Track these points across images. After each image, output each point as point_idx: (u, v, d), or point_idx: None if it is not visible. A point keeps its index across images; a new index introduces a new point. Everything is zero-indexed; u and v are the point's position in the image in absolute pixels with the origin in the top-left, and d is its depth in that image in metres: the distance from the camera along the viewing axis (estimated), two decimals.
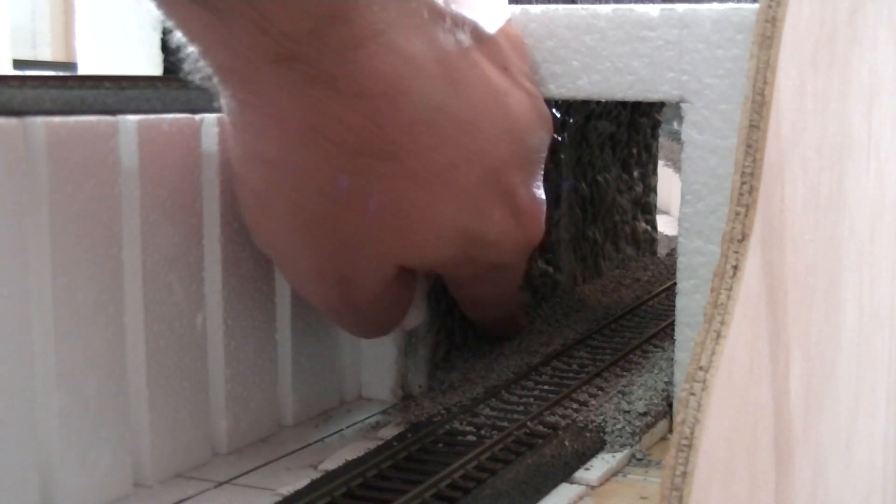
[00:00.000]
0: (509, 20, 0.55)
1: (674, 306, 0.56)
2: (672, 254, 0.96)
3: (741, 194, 0.41)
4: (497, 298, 0.63)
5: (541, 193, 0.55)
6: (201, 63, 0.48)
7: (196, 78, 0.51)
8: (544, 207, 0.55)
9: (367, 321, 0.56)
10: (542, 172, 0.55)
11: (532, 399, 0.59)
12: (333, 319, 0.57)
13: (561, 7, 0.57)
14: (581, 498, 0.49)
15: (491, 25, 0.52)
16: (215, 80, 0.48)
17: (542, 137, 0.54)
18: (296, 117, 0.47)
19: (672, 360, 0.58)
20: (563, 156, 0.82)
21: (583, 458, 0.52)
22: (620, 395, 0.59)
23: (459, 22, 0.49)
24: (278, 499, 0.48)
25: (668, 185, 1.20)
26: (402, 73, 0.46)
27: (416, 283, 0.57)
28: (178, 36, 0.47)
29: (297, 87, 0.45)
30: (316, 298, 0.55)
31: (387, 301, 0.55)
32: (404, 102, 0.47)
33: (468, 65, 0.50)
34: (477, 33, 0.51)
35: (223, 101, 0.49)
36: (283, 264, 0.54)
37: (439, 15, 0.48)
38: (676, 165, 0.64)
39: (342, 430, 0.58)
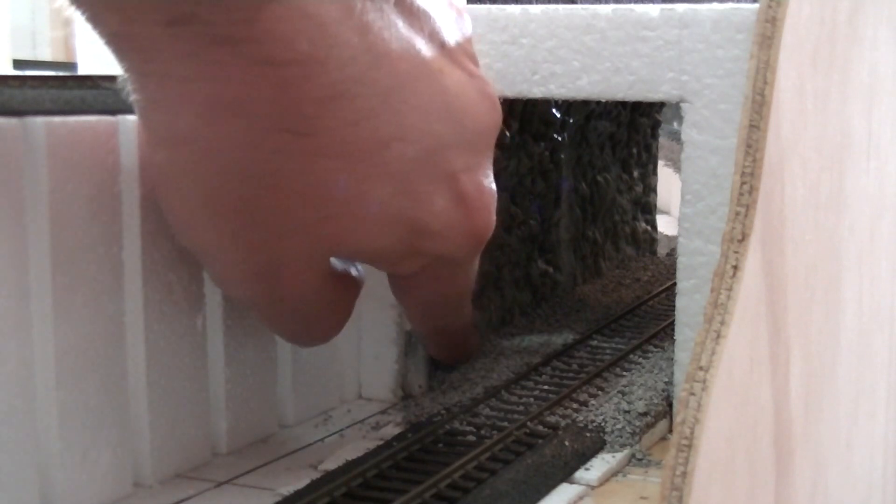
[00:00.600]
0: (450, 1, 0.52)
1: (674, 306, 0.56)
2: (672, 254, 0.96)
3: (741, 194, 0.41)
4: (445, 302, 0.58)
5: (490, 183, 0.52)
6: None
7: None
8: (494, 199, 0.52)
9: (299, 324, 0.52)
10: (492, 162, 0.52)
11: (532, 399, 0.59)
12: (264, 321, 0.53)
13: (561, 7, 0.57)
14: (581, 498, 0.49)
15: (424, 1, 0.49)
16: (111, 50, 0.44)
17: (487, 122, 0.51)
18: (201, 88, 0.43)
19: (672, 360, 0.58)
20: (563, 156, 0.82)
21: (583, 458, 0.52)
22: (620, 395, 0.59)
23: None
24: (278, 499, 0.48)
25: (668, 185, 1.20)
26: (316, 40, 0.43)
27: (356, 283, 0.54)
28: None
29: (197, 53, 0.42)
30: (242, 295, 0.51)
31: (321, 301, 0.51)
32: (319, 73, 0.44)
33: (394, 38, 0.46)
34: (405, 5, 0.47)
35: (126, 80, 0.45)
36: (205, 258, 0.49)
37: None
38: (676, 165, 0.64)
39: (342, 430, 0.58)
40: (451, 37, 0.50)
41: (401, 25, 0.47)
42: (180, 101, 0.44)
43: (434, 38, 0.49)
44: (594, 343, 0.70)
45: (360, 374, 0.63)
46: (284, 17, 0.42)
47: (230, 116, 0.44)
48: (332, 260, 0.51)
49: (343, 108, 0.45)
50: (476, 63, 0.52)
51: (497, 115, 0.52)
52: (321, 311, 0.52)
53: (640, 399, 0.58)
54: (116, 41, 0.43)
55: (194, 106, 0.44)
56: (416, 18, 0.48)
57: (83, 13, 0.43)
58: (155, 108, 0.45)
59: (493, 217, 0.52)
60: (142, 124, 0.47)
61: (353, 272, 0.53)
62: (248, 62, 0.43)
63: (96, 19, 0.43)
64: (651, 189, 1.02)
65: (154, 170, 0.48)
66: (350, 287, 0.53)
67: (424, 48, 0.48)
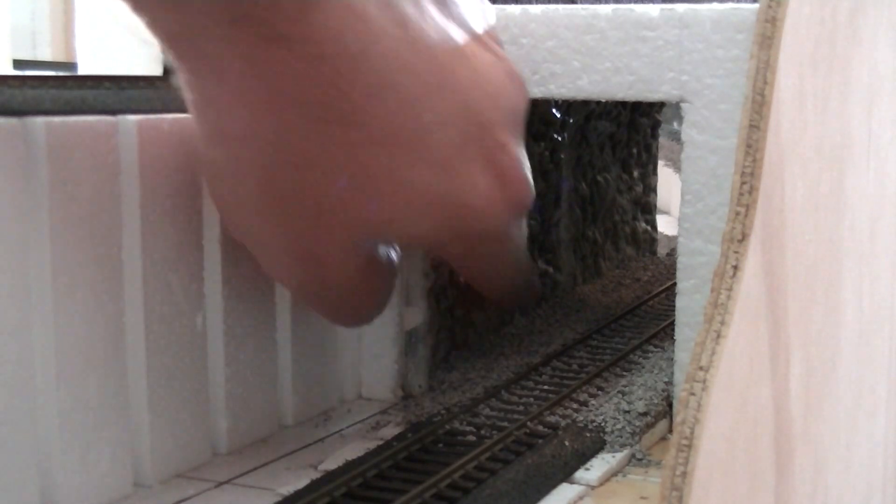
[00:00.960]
0: None
1: (674, 306, 0.56)
2: (672, 254, 0.96)
3: (741, 194, 0.41)
4: (504, 270, 0.59)
5: (524, 156, 0.53)
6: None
7: None
8: (529, 169, 0.53)
9: (343, 305, 0.54)
10: (523, 137, 0.54)
11: (532, 399, 0.59)
12: (309, 303, 0.55)
13: (561, 7, 0.57)
14: (581, 498, 0.49)
15: None
16: (168, 55, 0.46)
17: (517, 100, 0.53)
18: (256, 85, 0.45)
19: (672, 360, 0.58)
20: (563, 156, 0.82)
21: (583, 458, 0.52)
22: (620, 395, 0.59)
23: None
24: (278, 499, 0.48)
25: (668, 185, 1.20)
26: (362, 34, 0.45)
27: (396, 268, 0.55)
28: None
29: (253, 51, 0.44)
30: (289, 280, 0.53)
31: (364, 283, 0.53)
32: (366, 64, 0.46)
33: (430, 27, 0.48)
34: None
35: (181, 81, 0.47)
36: (255, 246, 0.51)
37: None
38: (676, 165, 0.64)
39: (342, 430, 0.58)
40: (477, 22, 0.52)
41: (434, 13, 0.49)
42: (236, 99, 0.46)
43: (463, 23, 0.50)
44: (594, 343, 0.70)
45: (360, 374, 0.63)
46: (333, 14, 0.44)
47: (282, 111, 0.46)
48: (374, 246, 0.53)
49: (388, 98, 0.47)
50: (501, 45, 0.53)
51: (525, 94, 0.54)
52: (364, 293, 0.54)
53: (640, 399, 0.58)
54: (175, 43, 0.45)
55: (249, 102, 0.46)
56: (446, 6, 0.50)
57: (143, 17, 0.44)
58: (210, 107, 0.47)
59: (532, 185, 0.53)
60: (196, 123, 0.48)
61: (392, 257, 0.55)
62: (300, 58, 0.44)
63: (156, 23, 0.45)
64: (651, 189, 1.02)
65: (208, 166, 0.49)
66: (390, 270, 0.55)
67: (456, 34, 0.50)
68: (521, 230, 0.57)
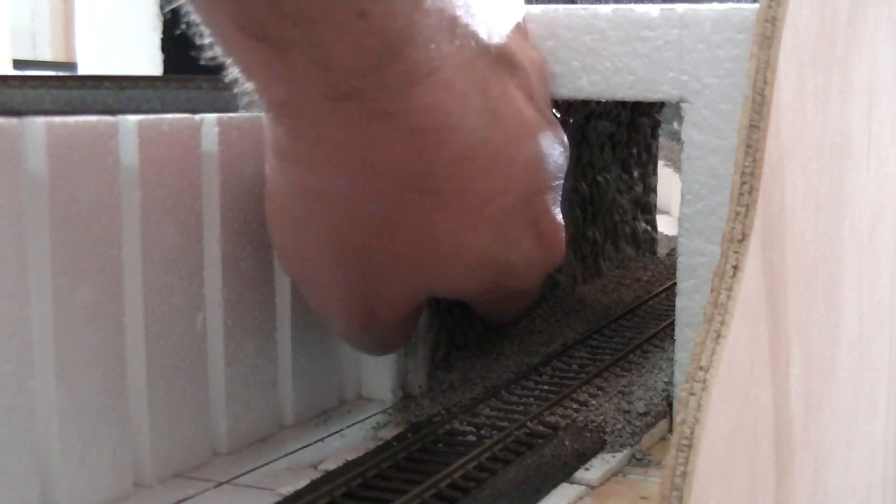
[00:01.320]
0: (533, 45, 0.56)
1: (674, 306, 0.56)
2: (672, 254, 0.96)
3: (741, 194, 0.41)
4: (518, 310, 0.64)
5: (561, 217, 0.56)
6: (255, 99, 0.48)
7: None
8: (564, 230, 0.56)
9: (381, 343, 0.58)
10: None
11: (532, 399, 0.59)
12: (348, 340, 0.57)
13: (561, 7, 0.57)
14: (581, 498, 0.49)
15: (522, 53, 0.53)
16: (268, 115, 0.48)
17: (561, 163, 0.55)
18: (349, 152, 0.47)
19: (672, 360, 0.58)
20: None
21: (583, 458, 0.52)
22: (620, 395, 0.59)
23: (499, 54, 0.50)
24: (278, 499, 0.48)
25: (668, 185, 1.20)
26: (452, 108, 0.47)
27: (425, 304, 0.58)
28: (231, 73, 0.47)
29: (353, 123, 0.46)
30: (338, 322, 0.55)
31: (406, 325, 0.56)
32: (452, 137, 0.48)
33: (505, 97, 0.50)
34: (511, 64, 0.51)
35: (270, 134, 0.49)
36: (311, 288, 0.54)
37: (484, 49, 0.48)
38: (676, 165, 0.64)
39: (342, 430, 0.58)
40: (538, 87, 0.54)
41: (511, 86, 0.51)
42: (327, 162, 0.48)
43: (527, 90, 0.53)
44: (594, 343, 0.70)
45: (360, 374, 0.63)
46: (431, 90, 0.46)
47: (368, 176, 0.48)
48: None
49: (466, 167, 0.49)
50: (550, 107, 0.56)
51: (566, 160, 0.56)
52: (400, 332, 0.57)
53: (640, 399, 0.58)
54: (278, 108, 0.47)
55: (340, 166, 0.48)
56: (518, 76, 0.52)
57: (253, 83, 0.46)
58: (299, 164, 0.49)
59: (564, 247, 0.57)
60: (275, 171, 0.50)
61: None
62: (397, 131, 0.46)
63: (265, 90, 0.46)
64: (651, 189, 1.02)
65: (279, 215, 0.52)
66: (422, 307, 0.57)
67: (524, 103, 0.52)
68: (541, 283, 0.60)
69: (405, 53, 0.44)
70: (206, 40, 0.46)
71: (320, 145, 0.47)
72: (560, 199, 0.56)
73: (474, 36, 0.48)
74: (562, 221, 0.56)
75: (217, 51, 0.46)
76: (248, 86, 0.47)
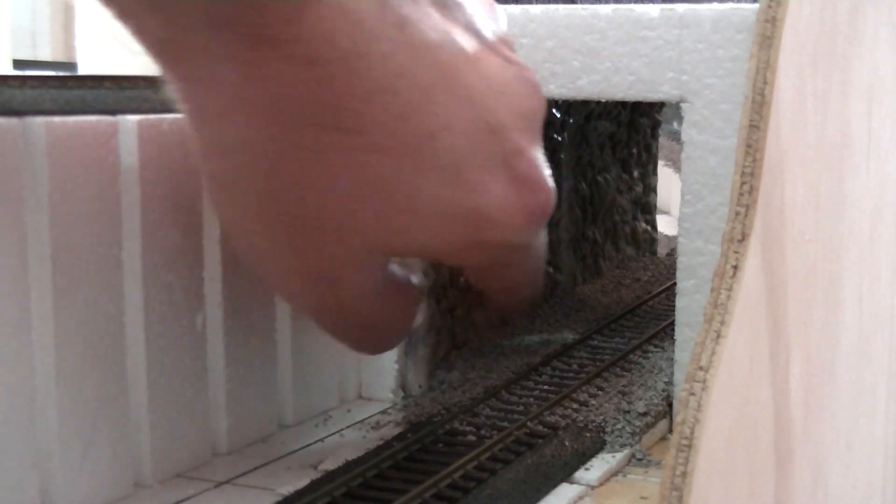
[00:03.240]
0: None
1: (674, 306, 0.56)
2: (672, 254, 0.96)
3: (741, 194, 0.41)
4: (527, 281, 0.57)
5: (544, 162, 0.51)
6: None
7: None
8: (549, 175, 0.51)
9: (365, 330, 0.53)
10: (542, 141, 0.52)
11: (532, 399, 0.59)
12: (327, 329, 0.53)
13: (561, 7, 0.57)
14: (581, 498, 0.49)
15: None
16: (158, 64, 0.45)
17: (530, 104, 0.51)
18: (248, 92, 0.44)
19: (672, 360, 0.58)
20: (563, 156, 0.82)
21: (583, 458, 0.52)
22: (620, 395, 0.59)
23: None
24: (278, 499, 0.48)
25: (668, 185, 1.20)
26: (356, 36, 0.44)
27: (418, 289, 0.54)
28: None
29: (243, 55, 0.43)
30: (303, 304, 0.51)
31: (382, 307, 0.51)
32: (362, 68, 0.44)
33: (432, 30, 0.47)
34: None
35: (174, 93, 0.46)
36: (262, 265, 0.50)
37: None
38: (676, 165, 0.64)
39: (342, 430, 0.58)
40: (486, 26, 0.50)
41: (436, 17, 0.47)
42: (229, 107, 0.45)
43: (469, 27, 0.49)
44: (594, 343, 0.70)
45: (360, 374, 0.63)
46: (325, 15, 0.43)
47: (279, 119, 0.45)
48: (393, 267, 0.51)
49: (388, 103, 0.45)
50: (513, 50, 0.52)
51: (540, 98, 0.52)
52: (383, 317, 0.52)
53: (640, 399, 0.58)
54: (164, 51, 0.44)
55: (243, 111, 0.45)
56: (450, 10, 0.48)
57: (129, 25, 0.43)
58: (204, 116, 0.46)
59: (553, 192, 0.51)
60: (193, 134, 0.47)
61: (414, 280, 0.53)
62: (293, 62, 0.43)
63: (143, 30, 0.43)
64: (651, 189, 1.02)
65: (208, 179, 0.48)
66: (411, 294, 0.53)
67: (461, 38, 0.48)
68: (541, 238, 0.55)
69: None
70: None
71: (215, 87, 0.44)
72: (539, 140, 0.51)
73: None
74: (543, 163, 0.51)
75: None
76: (127, 28, 0.44)
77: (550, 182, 0.51)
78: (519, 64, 0.51)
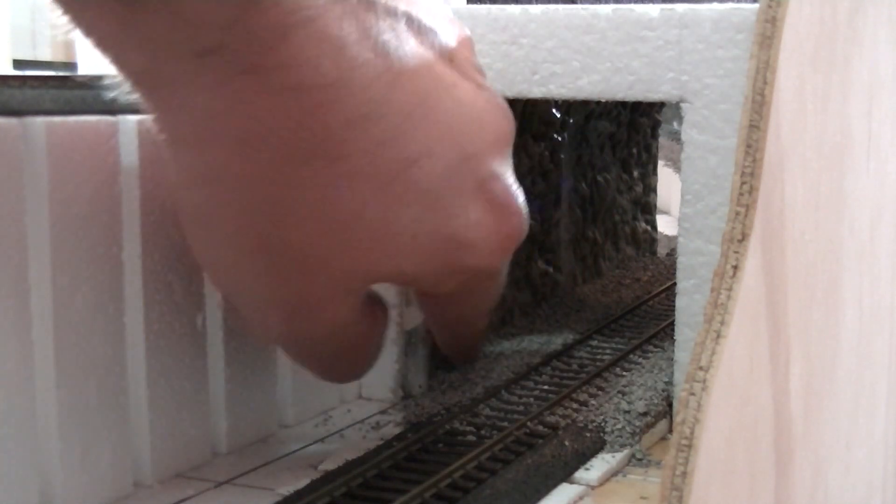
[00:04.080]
0: (451, 16, 0.52)
1: (674, 306, 0.56)
2: (672, 254, 0.96)
3: (741, 194, 0.41)
4: (478, 314, 0.58)
5: (517, 187, 0.51)
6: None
7: None
8: (523, 201, 0.51)
9: (338, 360, 0.52)
10: (512, 167, 0.52)
11: (532, 399, 0.59)
12: (296, 358, 0.53)
13: (561, 7, 0.57)
14: (581, 498, 0.49)
15: (429, 18, 0.49)
16: (137, 93, 0.44)
17: (502, 129, 0.51)
18: (230, 121, 0.43)
19: (672, 360, 0.58)
20: (563, 156, 0.82)
21: (583, 458, 0.52)
22: (620, 395, 0.59)
23: (392, 11, 0.46)
24: (278, 499, 0.48)
25: (668, 185, 1.20)
26: (339, 62, 0.43)
27: (386, 314, 0.53)
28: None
29: (226, 84, 0.42)
30: (277, 335, 0.50)
31: (355, 335, 0.51)
32: (344, 95, 0.44)
33: (410, 56, 0.46)
34: (413, 24, 0.48)
35: (152, 123, 0.46)
36: (238, 299, 0.49)
37: (370, 3, 0.45)
38: (676, 165, 0.64)
39: (342, 430, 0.58)
40: (458, 51, 0.50)
41: (413, 43, 0.47)
42: (209, 136, 0.44)
43: (443, 53, 0.49)
44: (594, 343, 0.70)
45: None
46: (308, 42, 0.42)
47: (260, 149, 0.44)
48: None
49: (370, 129, 0.45)
50: (482, 74, 0.52)
51: (510, 122, 0.52)
52: (355, 345, 0.52)
53: (640, 399, 0.58)
54: (143, 79, 0.43)
55: (223, 140, 0.44)
56: (425, 35, 0.48)
57: (109, 53, 0.43)
58: (184, 146, 0.45)
59: (526, 219, 0.52)
60: (172, 164, 0.46)
61: (380, 301, 0.53)
62: (276, 90, 0.43)
63: (122, 61, 0.43)
64: (651, 189, 1.02)
65: (183, 211, 0.47)
66: (380, 317, 0.53)
67: (437, 63, 0.48)
68: (504, 273, 0.55)
69: (271, 1, 0.41)
70: None
71: (194, 117, 0.43)
72: (511, 165, 0.52)
73: None
74: (516, 187, 0.51)
75: (68, 22, 0.42)
76: (106, 58, 0.43)
77: (524, 206, 0.51)
78: (488, 88, 0.52)
